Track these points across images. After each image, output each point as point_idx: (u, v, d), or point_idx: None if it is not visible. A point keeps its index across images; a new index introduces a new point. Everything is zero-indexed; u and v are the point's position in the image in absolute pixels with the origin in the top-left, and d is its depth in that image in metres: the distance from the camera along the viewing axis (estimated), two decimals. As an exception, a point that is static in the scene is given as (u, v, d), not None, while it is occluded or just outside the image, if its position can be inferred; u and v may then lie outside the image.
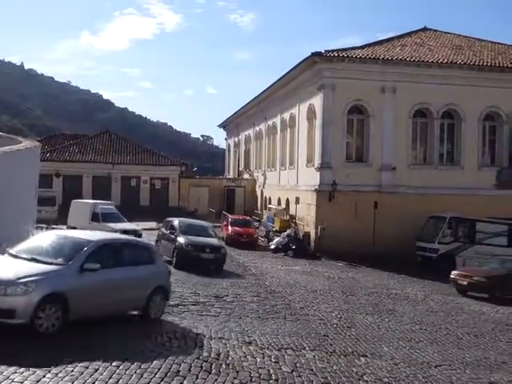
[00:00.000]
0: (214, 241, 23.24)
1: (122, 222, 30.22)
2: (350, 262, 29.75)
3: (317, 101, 34.62)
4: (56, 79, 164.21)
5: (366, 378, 9.71)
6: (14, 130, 79.49)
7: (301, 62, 35.04)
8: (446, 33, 41.75)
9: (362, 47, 35.80)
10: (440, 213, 30.68)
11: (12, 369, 7.94)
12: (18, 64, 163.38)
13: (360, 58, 33.79)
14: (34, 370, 7.97)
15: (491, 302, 21.59)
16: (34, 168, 22.13)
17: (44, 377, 7.77)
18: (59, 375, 7.92)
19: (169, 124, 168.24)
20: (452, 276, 24.05)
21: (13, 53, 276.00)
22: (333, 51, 33.83)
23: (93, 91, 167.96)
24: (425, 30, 41.64)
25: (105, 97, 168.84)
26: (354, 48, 35.54)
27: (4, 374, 7.76)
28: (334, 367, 10.17)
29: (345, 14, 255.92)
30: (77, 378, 7.87)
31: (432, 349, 12.89)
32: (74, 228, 29.22)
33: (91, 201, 34.18)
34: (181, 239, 22.55)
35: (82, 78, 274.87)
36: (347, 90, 33.21)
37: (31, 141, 25.39)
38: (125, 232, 27.27)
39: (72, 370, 8.17)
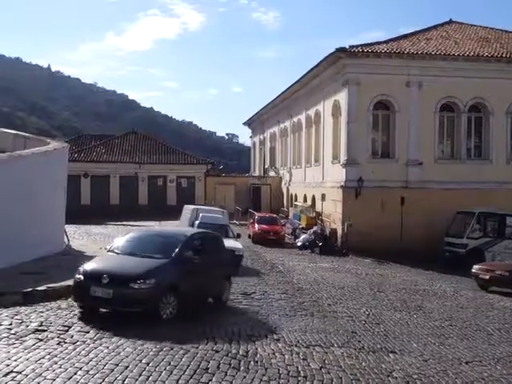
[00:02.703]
0: (143, 264, 12.08)
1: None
2: (378, 258, 29.60)
3: (342, 97, 34.46)
4: (82, 81, 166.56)
5: (395, 375, 9.63)
6: (43, 131, 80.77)
7: (325, 58, 34.90)
8: (472, 25, 41.17)
9: (386, 42, 35.54)
10: (468, 208, 30.35)
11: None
12: (45, 66, 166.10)
13: (385, 52, 33.53)
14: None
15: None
16: (62, 168, 22.44)
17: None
18: (90, 372, 8.06)
19: (194, 123, 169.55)
20: (473, 270, 23.36)
21: (40, 56, 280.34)
22: (357, 46, 33.62)
23: (118, 92, 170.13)
24: (450, 22, 41.14)
25: (130, 97, 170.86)
26: (378, 43, 35.31)
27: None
28: (363, 364, 10.12)
29: (368, 8, 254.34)
30: (107, 375, 7.99)
31: (462, 345, 12.75)
32: None
33: (194, 206, 28.02)
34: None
35: (107, 78, 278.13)
36: (372, 85, 33.00)
37: (59, 142, 25.72)
38: None
39: (103, 368, 8.30)
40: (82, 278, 11.68)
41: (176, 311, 11.89)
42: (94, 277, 11.52)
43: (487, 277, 22.46)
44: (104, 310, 11.96)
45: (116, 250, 13.07)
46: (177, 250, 12.62)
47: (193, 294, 12.66)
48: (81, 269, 11.92)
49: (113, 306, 11.65)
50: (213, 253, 14.01)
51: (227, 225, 23.02)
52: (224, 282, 14.44)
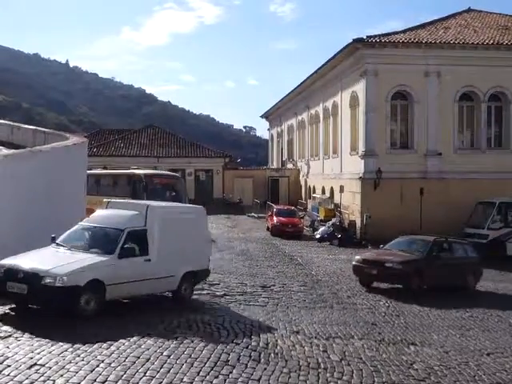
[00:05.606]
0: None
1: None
2: (397, 249, 29.39)
3: (359, 88, 34.24)
4: (100, 75, 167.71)
5: (415, 367, 9.60)
6: (62, 126, 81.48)
7: (342, 49, 34.66)
8: (491, 13, 40.54)
9: (404, 31, 35.18)
10: (489, 198, 30.05)
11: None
12: (63, 62, 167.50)
13: (402, 42, 33.22)
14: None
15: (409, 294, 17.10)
16: (82, 163, 22.56)
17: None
18: (112, 365, 8.14)
19: (211, 116, 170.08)
20: (354, 263, 19.11)
21: (58, 51, 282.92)
22: (374, 37, 33.36)
23: (136, 86, 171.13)
24: (469, 11, 40.54)
25: (148, 91, 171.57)
26: (396, 33, 34.97)
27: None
28: (384, 356, 10.10)
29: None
30: (129, 368, 8.06)
31: (483, 336, 12.66)
32: None
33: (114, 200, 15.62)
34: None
35: (124, 73, 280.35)
36: (390, 75, 32.72)
37: (79, 137, 25.86)
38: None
39: (124, 360, 8.38)
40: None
41: None
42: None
43: (375, 272, 17.98)
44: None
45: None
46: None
47: None
48: None
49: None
50: None
51: (120, 229, 12.62)
52: None
